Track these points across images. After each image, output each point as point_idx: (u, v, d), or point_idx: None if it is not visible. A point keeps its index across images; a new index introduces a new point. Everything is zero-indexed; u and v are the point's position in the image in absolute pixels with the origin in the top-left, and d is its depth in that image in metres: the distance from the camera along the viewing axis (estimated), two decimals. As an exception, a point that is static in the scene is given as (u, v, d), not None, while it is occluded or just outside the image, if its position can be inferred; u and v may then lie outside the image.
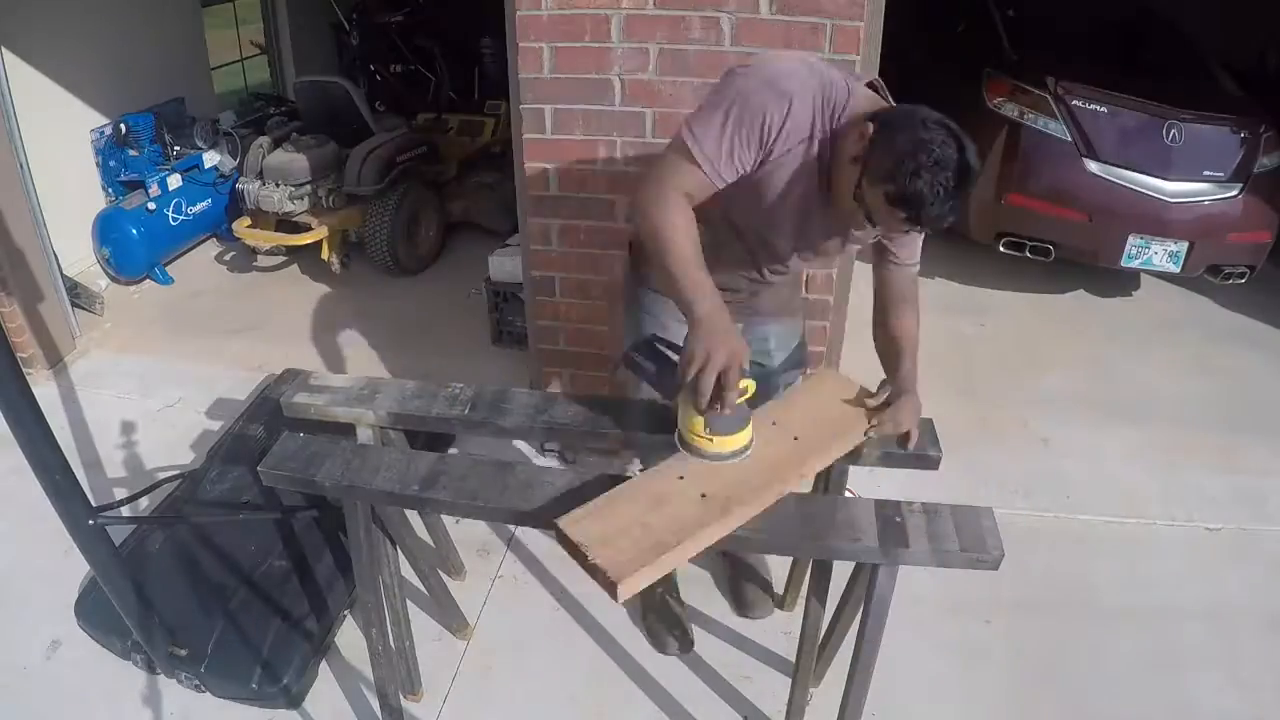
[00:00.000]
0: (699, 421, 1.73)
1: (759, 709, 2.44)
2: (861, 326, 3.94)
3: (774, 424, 1.92)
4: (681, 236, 1.75)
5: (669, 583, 2.69)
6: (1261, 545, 3.08)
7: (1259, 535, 3.13)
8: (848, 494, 2.26)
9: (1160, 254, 4.49)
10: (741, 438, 1.77)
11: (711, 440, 1.75)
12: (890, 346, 2.18)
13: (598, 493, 1.75)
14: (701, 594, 2.78)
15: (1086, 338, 4.51)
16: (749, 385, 1.72)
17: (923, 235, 2.00)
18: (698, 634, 2.67)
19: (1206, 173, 4.42)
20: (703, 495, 1.70)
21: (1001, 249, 4.67)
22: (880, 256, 2.12)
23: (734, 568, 2.80)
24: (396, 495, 1.86)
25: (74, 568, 2.70)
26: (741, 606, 2.74)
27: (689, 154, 1.76)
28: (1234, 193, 4.43)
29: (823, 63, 1.82)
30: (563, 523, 1.63)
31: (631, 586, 1.54)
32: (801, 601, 2.49)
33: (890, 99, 1.86)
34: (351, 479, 1.87)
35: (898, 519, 1.75)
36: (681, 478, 1.74)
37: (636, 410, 2.10)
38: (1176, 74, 4.88)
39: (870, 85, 1.85)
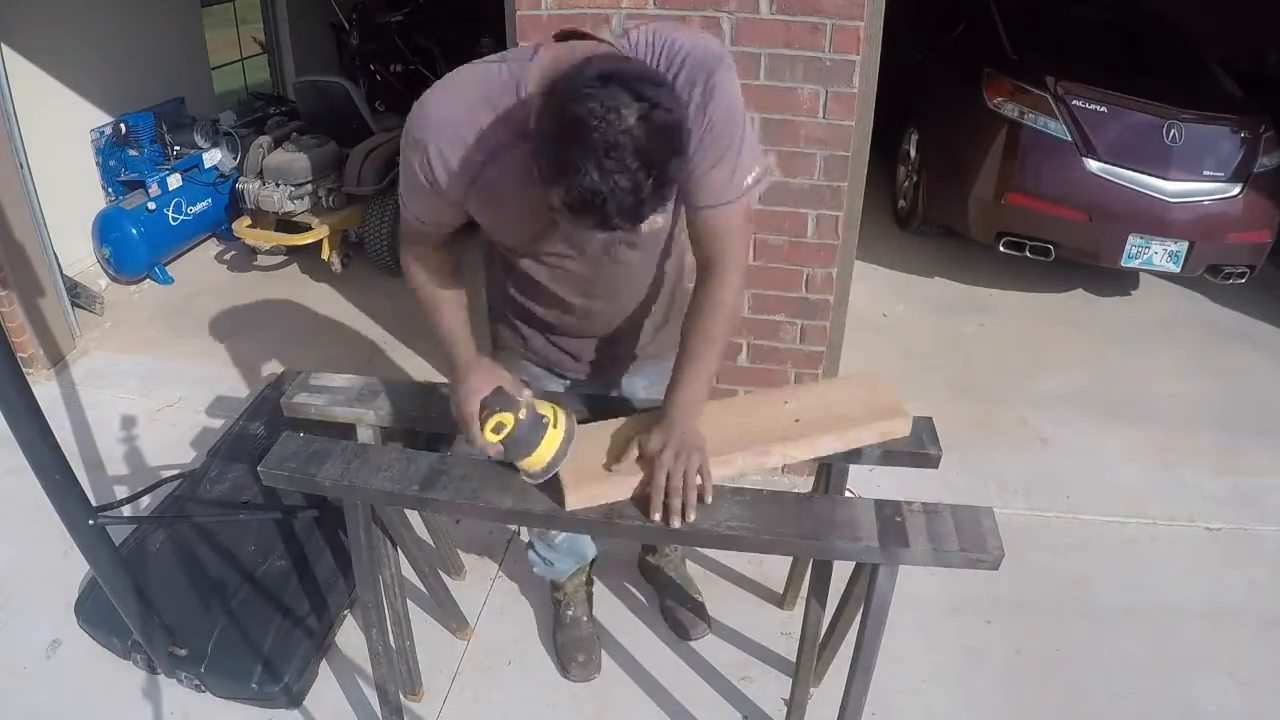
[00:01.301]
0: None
1: (759, 708, 2.44)
2: (862, 327, 3.93)
3: (786, 403, 1.92)
4: (425, 299, 1.82)
5: (583, 603, 2.63)
6: (1261, 545, 3.08)
7: (1259, 535, 3.13)
8: (848, 494, 2.25)
9: (1160, 254, 4.49)
10: (546, 450, 1.71)
11: (518, 469, 1.77)
12: (683, 335, 1.78)
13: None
14: (701, 591, 2.77)
15: (1086, 337, 4.51)
16: (505, 420, 1.69)
17: (736, 165, 1.59)
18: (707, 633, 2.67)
19: (1206, 173, 4.42)
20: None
21: (1001, 249, 4.68)
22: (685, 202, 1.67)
23: (662, 594, 2.75)
24: (396, 495, 1.85)
25: (74, 568, 2.71)
26: (679, 631, 2.65)
27: (403, 211, 1.75)
28: (1234, 193, 4.44)
29: (486, 65, 1.58)
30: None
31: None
32: (801, 601, 2.49)
33: (617, 45, 1.49)
34: (351, 479, 1.87)
35: (898, 519, 1.75)
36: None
37: (633, 408, 2.09)
38: (1177, 74, 4.89)
39: (569, 35, 1.52)
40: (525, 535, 2.40)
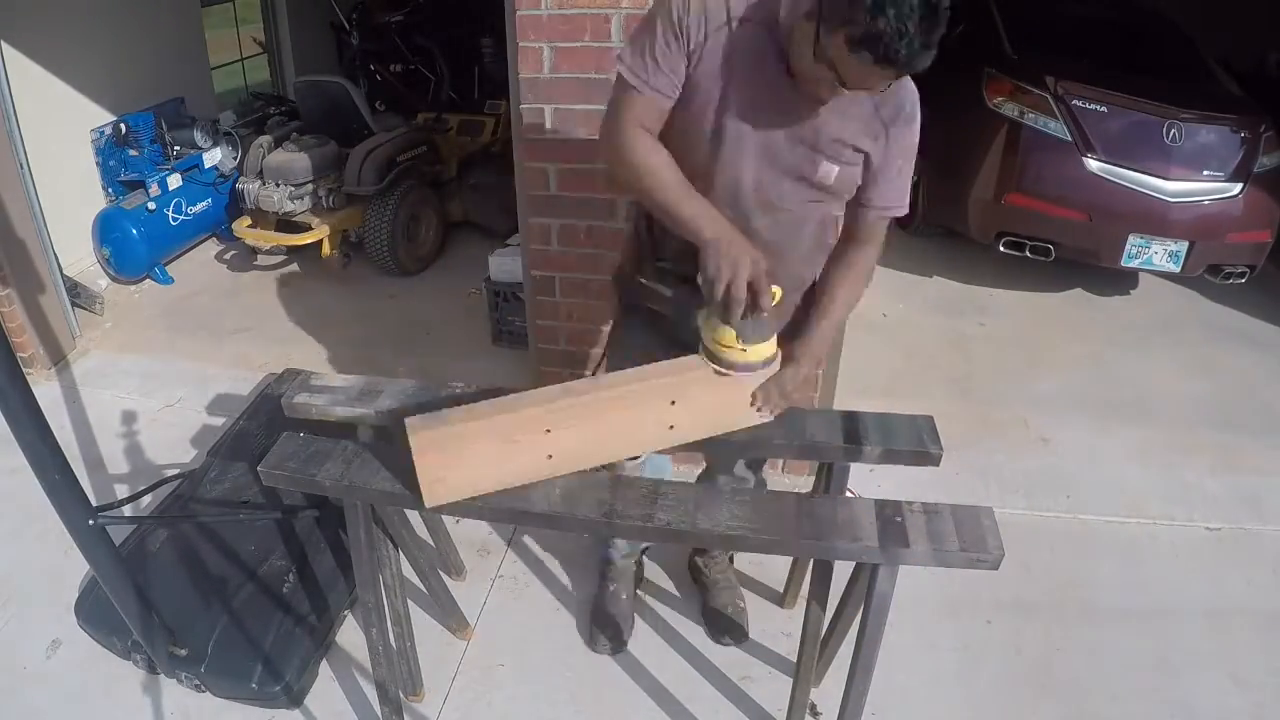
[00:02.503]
0: (730, 334, 1.74)
1: (760, 708, 2.44)
2: (862, 327, 3.94)
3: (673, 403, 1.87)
4: (656, 168, 1.73)
5: (629, 581, 2.69)
6: (1261, 545, 3.08)
7: (1259, 535, 3.13)
8: (848, 494, 2.25)
9: (1160, 254, 4.49)
10: (773, 343, 1.80)
11: (745, 350, 1.76)
12: (818, 298, 1.96)
13: (600, 492, 1.78)
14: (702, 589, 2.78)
15: (1086, 337, 4.51)
16: (777, 291, 1.70)
17: (904, 182, 1.85)
18: (697, 632, 2.68)
19: (1206, 172, 4.42)
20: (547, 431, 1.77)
21: (1001, 249, 4.68)
22: (855, 196, 1.87)
23: (706, 596, 2.74)
24: (397, 495, 1.86)
25: (74, 567, 2.71)
26: (716, 634, 2.66)
27: (623, 81, 1.74)
28: (1234, 192, 4.44)
29: None
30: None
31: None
32: (801, 601, 2.49)
33: None
34: (352, 479, 1.87)
35: (898, 519, 1.75)
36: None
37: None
38: (1177, 74, 4.89)
39: None
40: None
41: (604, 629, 2.60)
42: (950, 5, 1.43)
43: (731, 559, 2.81)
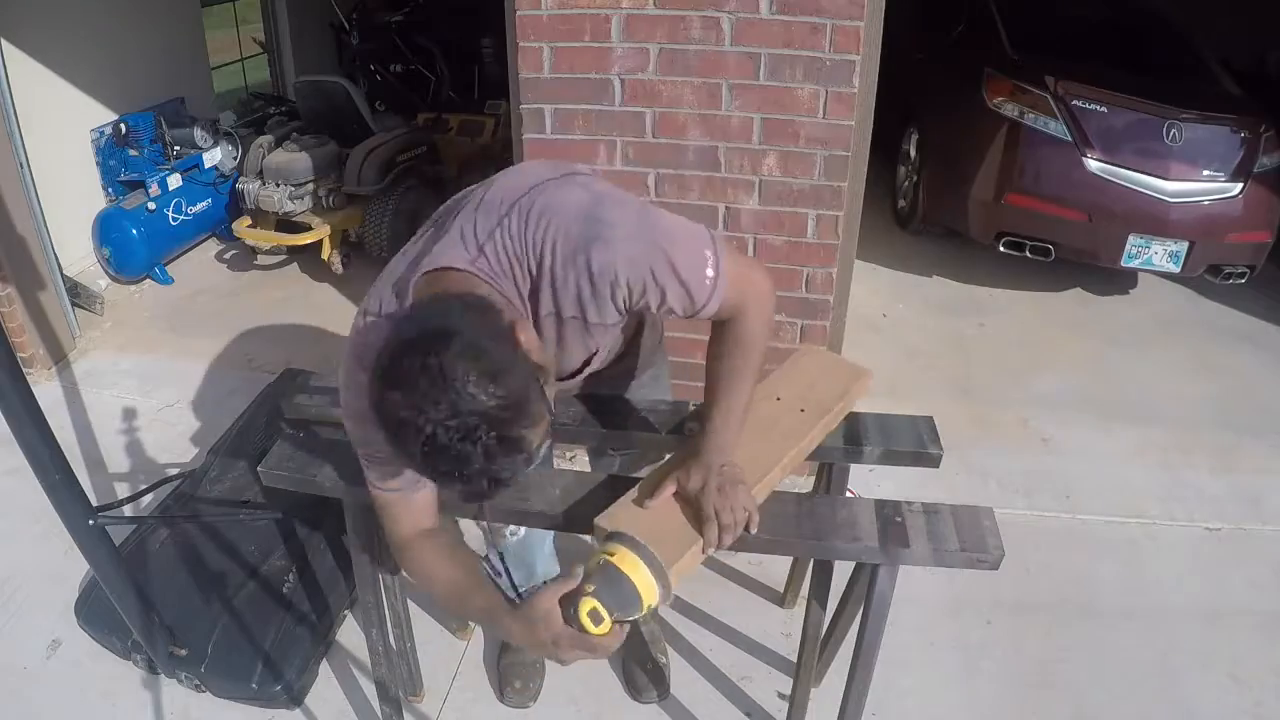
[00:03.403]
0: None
1: (760, 707, 2.45)
2: (862, 327, 3.94)
3: (777, 399, 1.93)
4: (444, 587, 1.57)
5: (654, 632, 2.56)
6: (1261, 545, 3.09)
7: (1259, 535, 3.13)
8: (848, 494, 2.26)
9: (1160, 254, 4.50)
10: (648, 590, 1.46)
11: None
12: (708, 397, 1.70)
13: (600, 492, 1.78)
14: (700, 591, 2.78)
15: (1086, 338, 4.51)
16: (588, 603, 1.35)
17: (680, 281, 1.45)
18: (697, 632, 2.67)
19: (1206, 172, 4.43)
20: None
21: (1001, 249, 4.68)
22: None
23: (623, 648, 2.60)
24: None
25: (74, 567, 2.71)
26: (631, 690, 2.50)
27: (378, 494, 1.60)
28: (1234, 192, 4.44)
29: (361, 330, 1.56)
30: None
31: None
32: (801, 601, 2.49)
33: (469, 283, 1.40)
34: (351, 479, 1.87)
35: (898, 519, 1.75)
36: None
37: (633, 410, 2.10)
38: (1177, 74, 4.90)
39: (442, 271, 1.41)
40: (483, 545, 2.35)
41: (514, 679, 2.46)
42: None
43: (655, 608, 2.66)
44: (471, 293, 1.34)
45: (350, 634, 2.64)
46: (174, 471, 3.07)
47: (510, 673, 2.48)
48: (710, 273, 1.47)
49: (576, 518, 1.78)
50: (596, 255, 1.40)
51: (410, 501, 1.60)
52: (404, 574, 1.69)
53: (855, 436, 2.02)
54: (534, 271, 1.43)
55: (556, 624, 1.36)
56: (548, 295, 1.46)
